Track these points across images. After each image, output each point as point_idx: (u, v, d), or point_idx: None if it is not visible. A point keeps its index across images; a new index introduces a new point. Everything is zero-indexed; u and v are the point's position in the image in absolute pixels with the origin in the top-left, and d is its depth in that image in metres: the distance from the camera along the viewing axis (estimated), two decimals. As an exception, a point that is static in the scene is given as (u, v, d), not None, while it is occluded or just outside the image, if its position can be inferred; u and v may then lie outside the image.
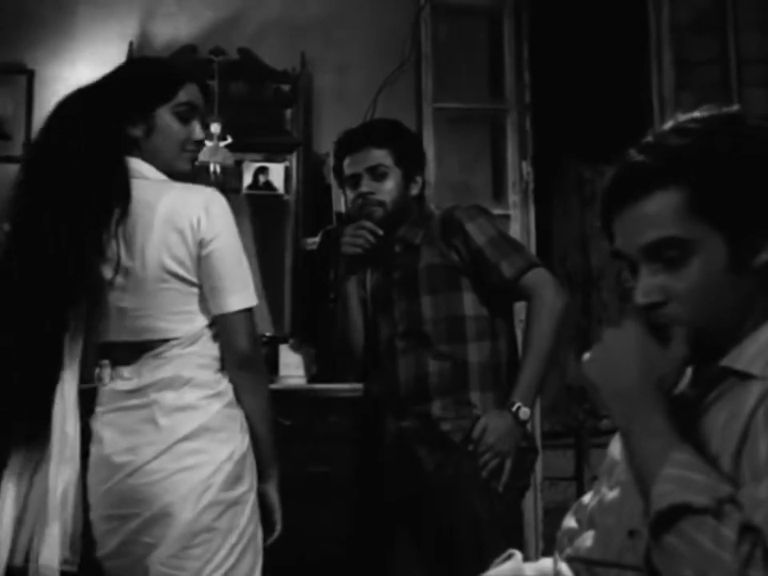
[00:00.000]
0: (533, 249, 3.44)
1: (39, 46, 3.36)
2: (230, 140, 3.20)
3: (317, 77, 3.49)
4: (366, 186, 2.25)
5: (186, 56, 3.30)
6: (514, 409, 2.08)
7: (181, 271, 1.64)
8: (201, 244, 1.64)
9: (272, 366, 2.95)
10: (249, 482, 1.69)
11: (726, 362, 1.06)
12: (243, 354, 1.68)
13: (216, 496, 1.62)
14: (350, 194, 2.30)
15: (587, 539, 1.20)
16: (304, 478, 2.51)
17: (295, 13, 3.52)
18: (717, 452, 1.00)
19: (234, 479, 1.65)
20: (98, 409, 1.69)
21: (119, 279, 1.62)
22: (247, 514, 1.67)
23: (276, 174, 3.43)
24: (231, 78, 3.37)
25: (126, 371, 1.66)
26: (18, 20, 3.35)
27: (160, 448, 1.61)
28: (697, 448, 0.99)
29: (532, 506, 3.36)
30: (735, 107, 1.12)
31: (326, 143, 3.24)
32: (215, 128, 3.15)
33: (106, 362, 1.69)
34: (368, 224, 2.24)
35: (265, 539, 1.73)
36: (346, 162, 2.29)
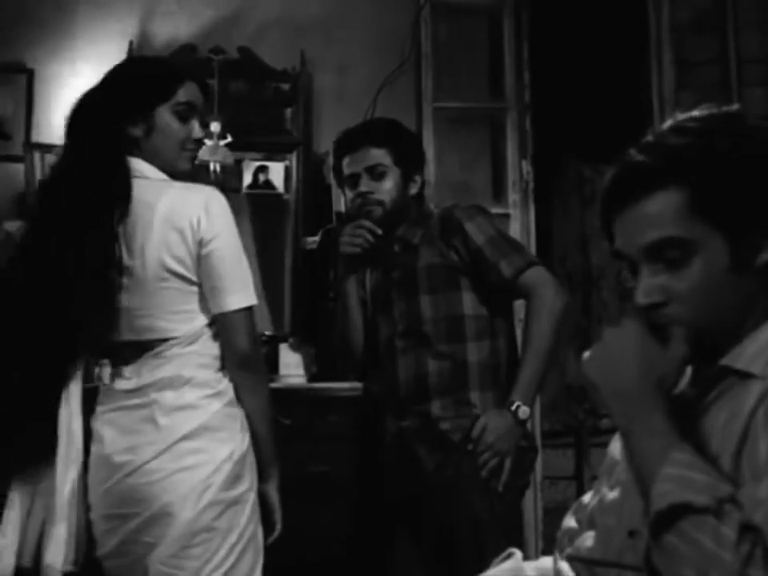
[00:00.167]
0: (533, 248, 3.44)
1: (39, 46, 3.36)
2: (229, 139, 3.20)
3: (317, 76, 3.49)
4: (364, 185, 2.25)
5: (185, 55, 3.30)
6: (514, 408, 2.08)
7: (181, 270, 1.64)
8: (201, 243, 1.64)
9: (272, 365, 2.95)
10: (249, 482, 1.69)
11: (726, 361, 1.06)
12: (243, 353, 1.68)
13: (216, 495, 1.62)
14: (349, 194, 2.30)
15: (588, 539, 1.20)
16: (304, 477, 2.51)
17: (295, 12, 3.52)
18: (717, 452, 1.00)
19: (234, 478, 1.65)
20: (98, 408, 1.69)
21: (119, 279, 1.62)
22: (247, 514, 1.67)
23: (276, 173, 3.42)
24: (231, 77, 3.37)
25: (126, 371, 1.66)
26: (18, 19, 3.35)
27: (160, 447, 1.61)
28: (697, 448, 0.99)
29: (532, 505, 3.36)
30: (735, 106, 1.12)
31: (325, 143, 3.24)
32: (215, 127, 3.14)
33: (106, 361, 1.69)
34: (367, 223, 2.24)
35: (265, 538, 1.73)
36: (345, 161, 2.29)
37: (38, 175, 3.17)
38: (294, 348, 3.05)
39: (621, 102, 4.09)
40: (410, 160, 2.30)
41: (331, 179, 2.99)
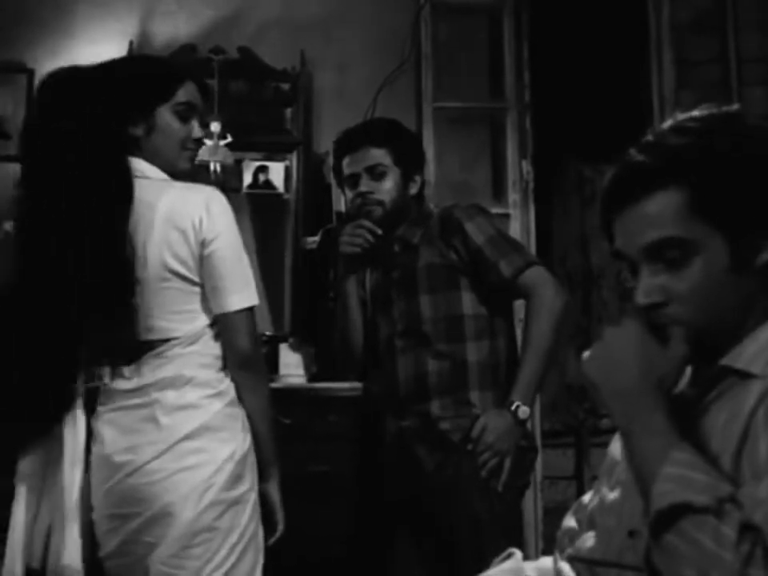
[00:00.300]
0: (533, 248, 3.44)
1: (39, 45, 3.36)
2: (229, 139, 3.20)
3: (317, 76, 3.49)
4: (364, 185, 2.25)
5: (185, 55, 3.30)
6: (513, 408, 2.08)
7: (182, 270, 1.64)
8: (203, 243, 1.64)
9: (272, 365, 2.95)
10: (250, 482, 1.69)
11: (726, 361, 1.06)
12: (244, 353, 1.69)
13: (217, 495, 1.62)
14: (349, 194, 2.30)
15: (588, 540, 1.20)
16: (304, 477, 2.51)
17: (295, 12, 3.52)
18: (717, 451, 1.00)
19: (236, 478, 1.65)
20: (99, 408, 1.69)
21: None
22: (248, 514, 1.67)
23: (276, 173, 3.43)
24: (231, 77, 3.37)
25: (126, 370, 1.66)
26: (18, 19, 3.35)
27: (161, 447, 1.61)
28: (697, 448, 0.99)
29: (532, 505, 3.36)
30: (735, 106, 1.12)
31: (325, 142, 3.24)
32: (215, 127, 3.14)
33: (107, 360, 1.69)
34: (366, 223, 2.24)
35: (266, 539, 1.73)
36: (345, 161, 2.29)
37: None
38: (294, 348, 3.05)
39: (621, 102, 4.09)
40: (409, 160, 2.30)
41: (331, 179, 2.99)
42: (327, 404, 2.74)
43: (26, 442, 1.64)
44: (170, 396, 1.63)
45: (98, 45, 3.33)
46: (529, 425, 2.21)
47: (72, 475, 1.61)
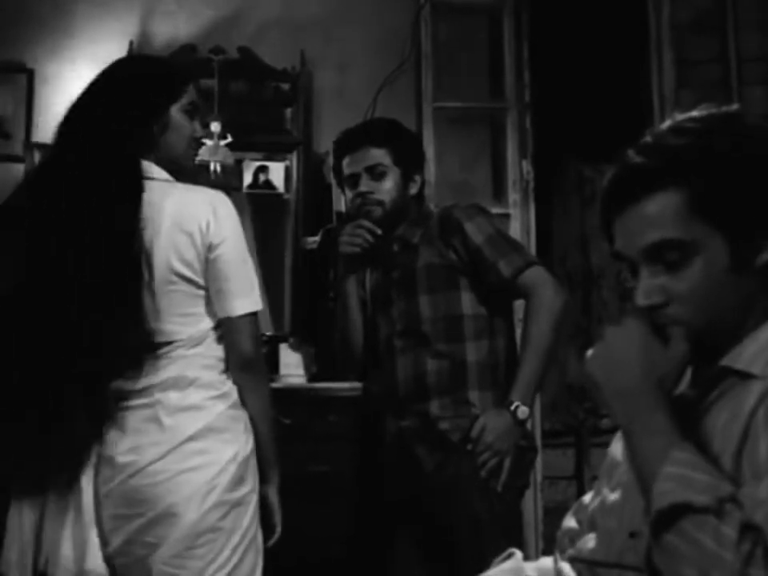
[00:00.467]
0: (533, 248, 3.44)
1: (39, 45, 3.36)
2: (230, 139, 3.20)
3: (317, 76, 3.49)
4: (364, 185, 2.25)
5: (185, 55, 3.30)
6: (513, 408, 2.08)
7: (188, 273, 1.64)
8: (209, 247, 1.65)
9: (272, 365, 2.95)
10: (251, 483, 1.69)
11: (726, 361, 1.06)
12: (246, 356, 1.70)
13: (221, 496, 1.62)
14: (349, 194, 2.30)
15: (589, 541, 1.20)
16: (304, 477, 2.51)
17: (295, 11, 3.52)
18: (718, 452, 1.00)
19: (238, 480, 1.65)
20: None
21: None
22: (250, 515, 1.68)
23: (276, 173, 3.42)
24: (231, 77, 3.36)
25: (130, 371, 1.66)
26: (18, 19, 3.35)
27: (165, 448, 1.60)
28: (698, 448, 0.99)
29: (532, 505, 3.36)
30: (734, 106, 1.12)
31: (326, 142, 3.23)
32: (215, 127, 3.14)
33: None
34: (366, 223, 2.24)
35: (265, 541, 1.73)
36: (345, 161, 2.29)
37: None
38: (294, 348, 3.05)
39: (621, 102, 4.09)
40: (409, 160, 2.30)
41: (331, 179, 2.98)
42: (327, 404, 2.74)
43: (25, 442, 1.63)
44: (173, 397, 1.63)
45: (98, 44, 3.32)
46: (529, 425, 2.21)
47: (88, 477, 1.61)
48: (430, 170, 3.25)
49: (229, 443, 1.66)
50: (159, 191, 1.66)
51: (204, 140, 3.12)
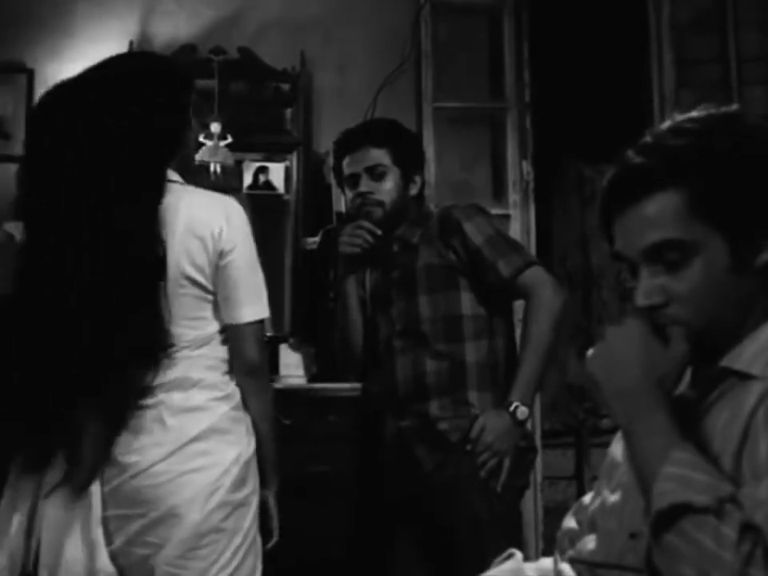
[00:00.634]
0: (533, 248, 3.43)
1: (39, 45, 3.36)
2: (229, 139, 3.20)
3: (317, 76, 3.49)
4: (364, 185, 2.25)
5: (185, 55, 3.30)
6: (512, 408, 2.08)
7: (200, 278, 1.64)
8: (220, 254, 1.65)
9: (272, 365, 2.95)
10: (253, 485, 1.70)
11: (725, 362, 1.06)
12: (252, 362, 1.71)
13: (224, 497, 1.62)
14: (349, 194, 2.30)
15: (589, 542, 1.20)
16: (304, 477, 2.51)
17: (295, 12, 3.52)
18: (718, 452, 1.00)
19: (240, 481, 1.66)
20: None
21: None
22: (251, 516, 1.68)
23: (276, 173, 3.42)
24: (231, 78, 3.36)
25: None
26: (17, 19, 3.35)
27: (168, 449, 1.60)
28: (698, 448, 0.99)
29: (532, 505, 3.36)
30: (733, 106, 1.12)
31: (325, 143, 3.23)
32: (215, 127, 3.14)
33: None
34: (366, 224, 2.24)
35: (263, 544, 1.74)
36: (345, 161, 2.29)
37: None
38: (294, 348, 3.05)
39: (621, 102, 4.09)
40: (409, 160, 2.30)
41: (331, 179, 2.99)
42: (327, 404, 2.74)
43: (23, 443, 1.63)
44: (177, 398, 1.63)
45: (98, 44, 3.32)
46: (528, 425, 2.21)
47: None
48: (430, 170, 3.25)
49: (232, 444, 1.66)
50: (175, 194, 1.66)
51: (204, 140, 3.13)
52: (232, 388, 1.70)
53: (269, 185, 3.42)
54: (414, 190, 2.31)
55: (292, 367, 3.00)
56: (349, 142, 2.31)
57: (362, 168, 2.25)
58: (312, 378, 3.00)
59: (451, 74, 3.57)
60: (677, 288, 1.06)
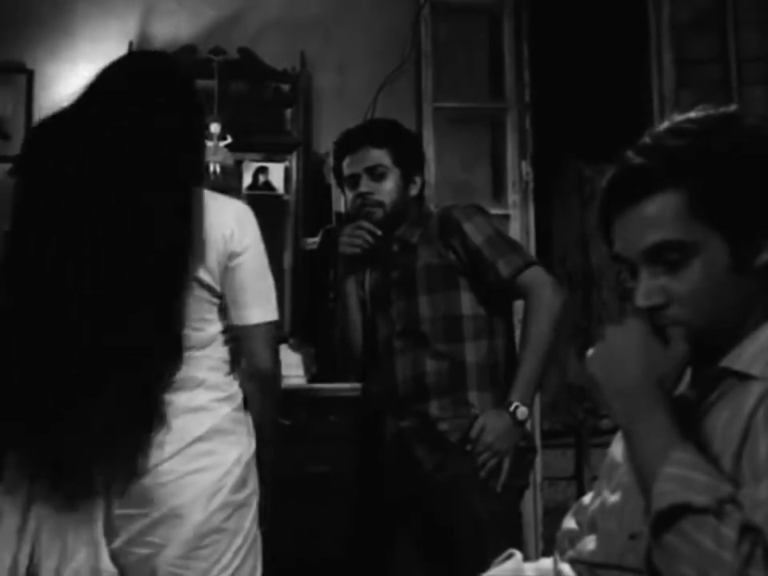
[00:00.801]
0: (533, 249, 3.43)
1: (38, 46, 3.35)
2: (229, 140, 3.20)
3: (317, 76, 3.49)
4: (365, 186, 2.25)
5: (185, 55, 3.29)
6: (512, 408, 2.08)
7: (208, 280, 1.65)
8: (230, 256, 1.66)
9: (272, 365, 2.95)
10: (253, 486, 1.70)
11: (725, 362, 1.06)
12: (261, 365, 1.71)
13: (226, 498, 1.62)
14: (350, 194, 2.30)
15: (589, 543, 1.20)
16: (303, 478, 2.51)
17: (295, 12, 3.52)
18: (718, 452, 1.00)
19: (242, 482, 1.66)
20: None
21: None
22: (251, 517, 1.68)
23: (276, 173, 3.42)
24: (231, 78, 3.36)
25: None
26: (18, 19, 3.34)
27: (172, 449, 1.60)
28: (699, 449, 0.99)
29: (532, 505, 3.36)
30: (732, 107, 1.12)
31: (325, 143, 3.23)
32: (215, 128, 3.14)
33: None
34: (366, 224, 2.24)
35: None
36: (345, 162, 2.29)
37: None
38: (294, 348, 3.05)
39: (621, 102, 4.08)
40: (409, 161, 2.30)
41: (331, 179, 2.99)
42: (327, 405, 2.74)
43: (22, 442, 1.62)
44: (182, 398, 1.63)
45: (98, 44, 3.32)
46: (528, 425, 2.20)
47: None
48: (430, 170, 3.25)
49: (233, 445, 1.66)
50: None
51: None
52: (234, 389, 1.71)
53: (268, 185, 3.42)
54: (414, 191, 2.31)
55: (292, 367, 2.99)
56: (349, 143, 2.31)
57: (362, 168, 2.25)
58: (312, 378, 3.00)
59: (451, 74, 3.57)
60: (677, 288, 1.06)
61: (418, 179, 2.32)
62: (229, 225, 1.66)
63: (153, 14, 3.45)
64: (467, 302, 2.18)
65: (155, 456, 1.59)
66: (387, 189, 2.25)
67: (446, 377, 2.15)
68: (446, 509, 2.11)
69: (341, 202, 2.66)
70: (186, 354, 1.64)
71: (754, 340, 1.05)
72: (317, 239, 3.16)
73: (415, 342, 2.18)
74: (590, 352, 1.10)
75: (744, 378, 1.03)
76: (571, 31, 4.18)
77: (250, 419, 1.73)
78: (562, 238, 5.17)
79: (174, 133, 1.66)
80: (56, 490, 1.59)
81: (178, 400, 1.62)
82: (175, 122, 1.67)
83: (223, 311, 1.69)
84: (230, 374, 1.71)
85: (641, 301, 1.07)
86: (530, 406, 2.12)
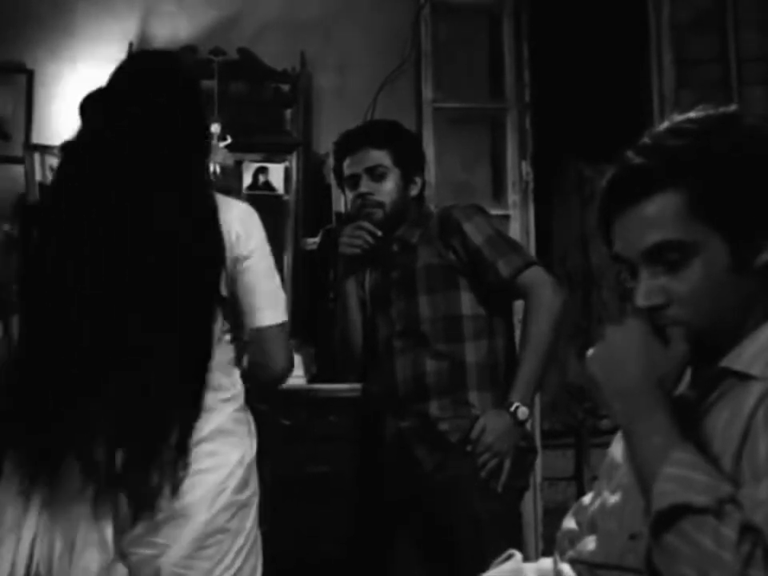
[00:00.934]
0: (533, 249, 3.43)
1: (38, 46, 3.35)
2: (229, 140, 3.19)
3: (317, 76, 3.49)
4: (365, 186, 2.25)
5: (185, 56, 3.29)
6: (513, 408, 2.08)
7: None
8: (237, 259, 1.66)
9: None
10: (254, 486, 1.70)
11: (725, 362, 1.06)
12: (278, 368, 1.73)
13: (230, 498, 1.63)
14: (350, 195, 2.30)
15: (589, 543, 1.20)
16: (303, 478, 2.51)
17: (295, 12, 3.51)
18: (718, 453, 1.00)
19: (244, 482, 1.66)
20: None
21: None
22: (252, 517, 1.68)
23: (276, 174, 3.42)
24: (231, 78, 3.36)
25: None
26: (18, 19, 3.34)
27: None
28: (699, 449, 0.99)
29: (532, 506, 3.35)
30: (732, 107, 1.12)
31: (325, 143, 3.23)
32: (215, 128, 3.14)
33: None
34: (366, 224, 2.24)
35: None
36: (346, 162, 2.29)
37: (38, 176, 3.16)
38: (294, 348, 3.04)
39: (621, 102, 4.08)
40: (410, 161, 2.30)
41: (331, 180, 2.99)
42: (327, 405, 2.74)
43: (22, 442, 1.62)
44: None
45: (98, 44, 3.32)
46: (528, 425, 2.20)
47: None
48: (430, 170, 3.24)
49: (236, 446, 1.67)
50: None
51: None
52: (238, 389, 1.71)
53: (268, 185, 3.42)
54: (414, 191, 2.31)
55: (292, 367, 2.99)
56: (349, 143, 2.32)
57: (362, 169, 2.25)
58: (312, 378, 2.99)
59: (451, 74, 3.56)
60: (677, 289, 1.06)
61: (418, 179, 2.32)
62: (234, 228, 1.65)
63: (153, 14, 3.45)
64: (467, 302, 2.18)
65: None
66: (387, 189, 2.25)
67: (445, 377, 2.15)
68: (446, 509, 2.11)
69: (341, 202, 2.66)
70: None
71: (753, 340, 1.05)
72: (317, 239, 3.16)
73: (415, 342, 2.18)
74: (590, 352, 1.10)
75: (744, 378, 1.03)
76: (571, 31, 4.18)
77: (251, 419, 1.73)
78: (562, 238, 5.17)
79: (174, 133, 1.65)
80: (56, 490, 1.59)
81: None
82: (176, 121, 1.67)
83: (228, 312, 1.69)
84: (233, 374, 1.71)
85: (641, 301, 1.07)
86: (530, 406, 2.12)
